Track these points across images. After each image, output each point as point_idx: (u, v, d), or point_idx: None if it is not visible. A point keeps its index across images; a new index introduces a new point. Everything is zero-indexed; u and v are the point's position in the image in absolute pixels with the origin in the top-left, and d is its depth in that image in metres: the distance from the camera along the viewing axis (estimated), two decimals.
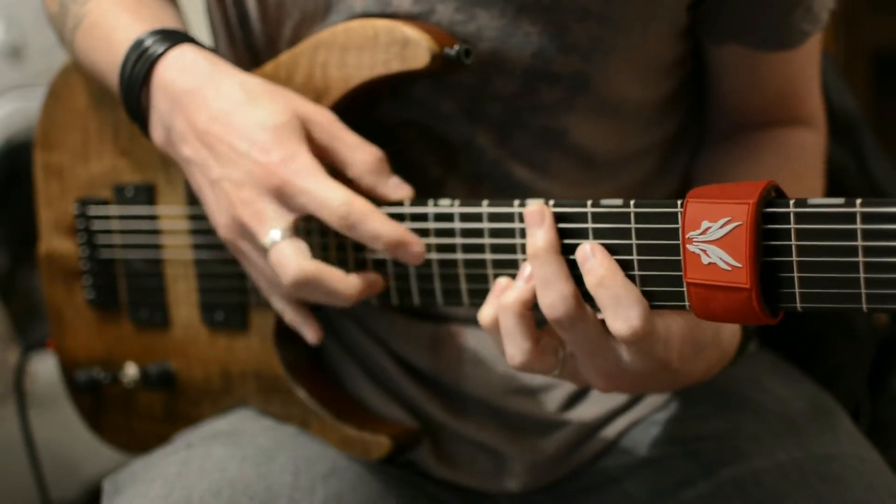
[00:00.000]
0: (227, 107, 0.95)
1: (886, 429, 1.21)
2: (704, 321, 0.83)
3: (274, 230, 0.92)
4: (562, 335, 0.84)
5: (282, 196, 0.92)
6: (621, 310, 0.79)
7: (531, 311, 0.84)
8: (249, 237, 0.94)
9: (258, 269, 0.97)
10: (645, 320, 0.79)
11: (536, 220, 0.83)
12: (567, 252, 0.83)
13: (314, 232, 0.97)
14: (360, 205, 0.91)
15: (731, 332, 0.90)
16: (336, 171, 0.95)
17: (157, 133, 1.01)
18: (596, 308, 0.82)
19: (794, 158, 1.07)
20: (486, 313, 0.87)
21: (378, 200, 0.94)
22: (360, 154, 0.95)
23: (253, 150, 0.93)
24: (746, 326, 0.92)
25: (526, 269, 0.84)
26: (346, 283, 0.93)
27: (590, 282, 0.81)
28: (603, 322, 0.82)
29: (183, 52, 0.99)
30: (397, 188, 0.95)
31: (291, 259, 0.91)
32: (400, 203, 0.94)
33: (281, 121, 0.93)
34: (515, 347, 0.84)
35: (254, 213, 0.93)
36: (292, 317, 1.00)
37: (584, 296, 0.82)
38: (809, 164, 1.08)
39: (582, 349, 0.84)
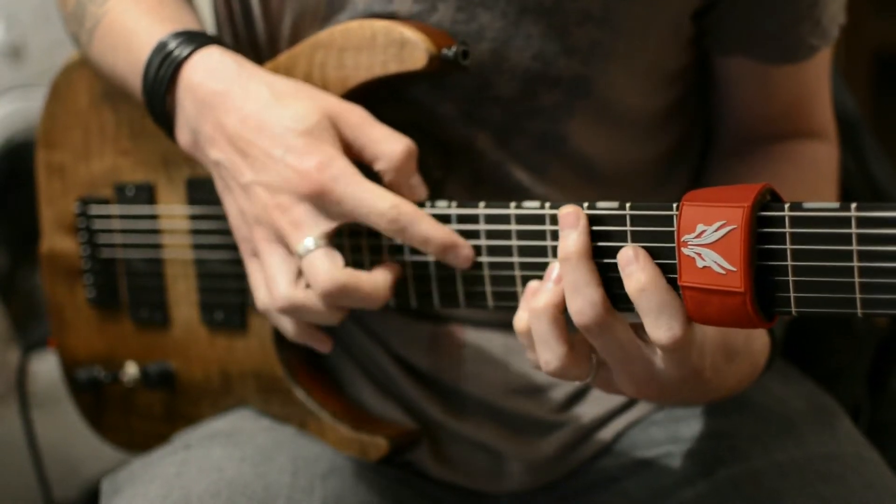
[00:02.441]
0: (256, 109, 0.93)
1: (886, 429, 1.20)
2: (734, 329, 0.81)
3: (308, 238, 0.91)
4: (591, 342, 0.81)
5: (321, 203, 0.91)
6: (663, 318, 0.77)
7: (563, 315, 0.82)
8: (282, 243, 0.93)
9: (268, 276, 0.95)
10: (686, 329, 0.77)
11: (571, 222, 0.81)
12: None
13: None
14: (409, 208, 0.91)
15: (761, 344, 0.89)
16: (364, 165, 0.94)
17: (183, 136, 1.00)
18: (624, 310, 0.80)
19: (808, 170, 1.06)
20: (520, 318, 0.84)
21: None
22: (386, 148, 0.93)
23: (288, 156, 0.91)
24: (775, 339, 0.91)
25: (553, 271, 0.82)
26: (378, 286, 0.92)
27: (631, 287, 0.78)
28: (634, 328, 0.81)
29: (210, 54, 0.98)
30: (414, 189, 0.94)
31: (324, 269, 0.90)
32: None
33: (312, 122, 0.92)
34: (551, 353, 0.81)
35: (290, 220, 0.92)
36: (297, 334, 0.99)
37: (617, 298, 0.80)
38: (823, 175, 1.07)
39: (613, 355, 0.81)
